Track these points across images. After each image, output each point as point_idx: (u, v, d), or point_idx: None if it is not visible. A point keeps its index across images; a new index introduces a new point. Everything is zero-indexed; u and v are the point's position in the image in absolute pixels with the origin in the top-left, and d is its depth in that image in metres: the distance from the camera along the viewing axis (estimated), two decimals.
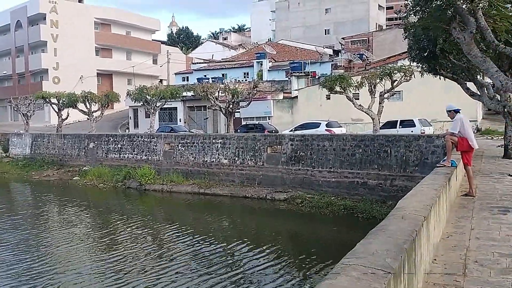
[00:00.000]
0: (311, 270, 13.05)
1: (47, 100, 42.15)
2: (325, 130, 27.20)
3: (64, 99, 40.65)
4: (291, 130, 28.92)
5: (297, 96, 39.15)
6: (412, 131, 24.47)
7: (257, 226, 19.48)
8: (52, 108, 43.17)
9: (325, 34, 68.43)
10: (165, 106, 38.24)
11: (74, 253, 15.13)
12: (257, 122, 35.39)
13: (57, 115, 41.91)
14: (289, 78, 43.87)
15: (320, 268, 13.10)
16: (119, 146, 32.84)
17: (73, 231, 18.41)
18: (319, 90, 30.51)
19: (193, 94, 37.59)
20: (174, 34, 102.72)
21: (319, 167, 22.68)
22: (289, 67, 44.93)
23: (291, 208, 21.45)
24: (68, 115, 41.90)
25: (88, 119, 40.25)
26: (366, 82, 26.13)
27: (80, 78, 57.70)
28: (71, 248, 15.73)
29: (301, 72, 43.17)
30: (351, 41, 57.24)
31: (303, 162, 23.35)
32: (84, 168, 33.52)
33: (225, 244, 15.96)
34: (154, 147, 30.66)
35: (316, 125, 28.45)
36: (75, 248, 15.82)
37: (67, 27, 58.31)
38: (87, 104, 39.06)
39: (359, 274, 2.97)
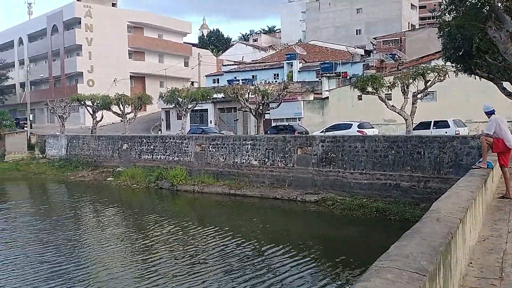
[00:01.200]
0: (343, 272, 12.94)
1: (82, 102, 43.13)
2: (357, 131, 26.90)
3: (98, 102, 41.55)
4: (322, 131, 28.73)
5: (328, 97, 38.88)
6: (446, 132, 23.96)
7: (287, 227, 19.43)
8: (87, 110, 44.17)
9: (356, 34, 67.74)
10: (196, 108, 38.60)
11: (110, 254, 15.44)
12: (287, 123, 35.29)
13: (92, 117, 42.85)
14: (319, 79, 43.61)
15: (352, 270, 12.98)
16: (152, 147, 33.33)
17: (108, 231, 18.80)
18: (350, 90, 30.19)
19: (223, 96, 37.81)
20: (205, 37, 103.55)
21: (351, 168, 22.47)
22: (319, 68, 44.67)
23: (321, 210, 21.32)
24: (102, 117, 42.79)
25: (121, 121, 40.99)
26: (398, 82, 25.71)
27: (114, 80, 58.82)
28: (107, 249, 16.06)
29: (332, 73, 42.87)
30: (383, 41, 56.46)
31: (334, 163, 23.17)
32: (118, 169, 34.16)
33: (256, 245, 15.99)
34: (185, 148, 31.00)
35: (348, 126, 28.16)
36: (111, 248, 16.15)
37: (101, 31, 59.59)
38: (121, 106, 39.77)
39: (394, 276, 2.93)
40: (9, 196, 30.35)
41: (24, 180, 36.87)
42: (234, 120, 43.09)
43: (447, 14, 15.20)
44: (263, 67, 53.07)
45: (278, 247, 15.50)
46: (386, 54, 48.14)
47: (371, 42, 59.36)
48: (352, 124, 28.28)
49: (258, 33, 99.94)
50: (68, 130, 45.37)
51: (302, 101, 38.66)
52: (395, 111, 25.24)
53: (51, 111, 48.33)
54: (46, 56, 65.53)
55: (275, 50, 71.29)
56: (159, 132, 48.54)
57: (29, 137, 46.24)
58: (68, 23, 60.88)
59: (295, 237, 17.32)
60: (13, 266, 13.73)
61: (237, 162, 27.67)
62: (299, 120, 37.90)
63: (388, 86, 25.95)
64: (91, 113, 42.69)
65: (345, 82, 40.26)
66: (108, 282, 12.45)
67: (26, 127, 48.95)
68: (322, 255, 14.65)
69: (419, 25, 67.82)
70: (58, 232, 18.25)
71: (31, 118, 53.38)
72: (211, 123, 43.97)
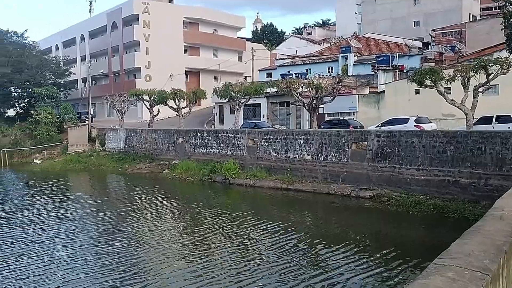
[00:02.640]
0: (398, 270, 12.65)
1: (140, 97, 44.39)
2: (414, 126, 26.12)
3: (155, 96, 42.64)
4: (378, 126, 28.11)
5: (384, 90, 37.97)
6: (509, 127, 22.82)
7: (341, 223, 19.21)
8: (144, 104, 45.44)
9: (414, 26, 65.64)
10: (249, 102, 38.81)
11: (167, 245, 15.82)
12: (341, 118, 34.82)
13: (149, 111, 44.05)
14: (375, 72, 42.65)
15: (408, 268, 12.67)
16: (206, 141, 33.88)
17: (165, 223, 19.36)
18: (407, 84, 29.40)
19: (276, 90, 37.78)
20: (259, 31, 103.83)
21: (407, 164, 21.90)
22: (375, 61, 43.69)
23: (376, 206, 20.94)
24: (159, 111, 43.93)
25: (177, 115, 41.88)
26: (458, 75, 24.65)
27: (170, 76, 60.11)
28: (164, 240, 16.53)
29: (389, 66, 41.79)
30: (442, 32, 54.39)
31: (390, 159, 22.66)
32: (173, 162, 35.02)
33: (309, 241, 15.93)
34: (238, 142, 31.27)
35: (405, 121, 27.39)
36: (168, 240, 16.61)
37: (158, 27, 61.01)
38: (176, 101, 40.63)
39: (455, 275, 2.83)
40: (73, 187, 31.83)
41: (85, 172, 38.52)
42: (287, 115, 42.98)
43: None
44: (317, 61, 52.53)
45: (331, 243, 15.37)
46: (445, 46, 46.39)
47: (429, 34, 57.39)
48: (409, 119, 27.49)
49: (312, 27, 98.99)
50: (126, 124, 46.86)
51: (357, 95, 37.97)
52: (455, 106, 24.28)
53: (111, 106, 50.09)
54: (106, 52, 67.87)
55: (330, 43, 70.43)
56: (213, 126, 49.22)
57: (90, 130, 48.12)
58: (127, 20, 62.72)
59: (349, 233, 17.08)
60: (75, 257, 14.21)
61: (289, 156, 27.62)
62: (354, 115, 37.26)
63: (447, 79, 24.95)
64: (148, 107, 43.89)
65: (402, 76, 39.18)
66: (165, 274, 12.66)
67: (88, 120, 50.98)
68: (376, 251, 14.37)
69: (481, 15, 64.83)
70: (117, 224, 18.90)
71: (92, 112, 55.54)
72: (263, 117, 44.09)
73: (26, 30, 64.47)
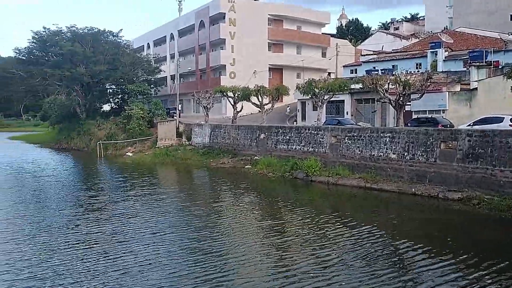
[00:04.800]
0: (493, 277, 11.90)
1: (224, 93, 45.53)
2: (509, 125, 24.43)
3: (239, 93, 43.53)
4: (469, 125, 26.61)
5: (476, 87, 35.82)
6: None
7: (426, 225, 18.42)
8: (228, 101, 46.51)
9: (511, 19, 61.22)
10: (332, 99, 38.37)
11: (248, 241, 16.06)
12: (429, 116, 33.36)
13: (233, 107, 45.03)
14: (467, 69, 40.31)
15: (503, 277, 11.90)
16: (288, 137, 33.99)
17: (247, 217, 19.63)
18: (503, 81, 27.52)
19: (361, 86, 37.01)
20: (344, 27, 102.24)
21: (501, 166, 20.54)
22: (467, 57, 41.31)
23: (465, 209, 19.90)
24: (242, 108, 44.80)
25: (259, 111, 42.42)
26: None
27: (254, 72, 60.95)
28: (246, 235, 16.82)
29: (482, 62, 39.35)
30: None
31: (482, 159, 21.39)
32: (255, 157, 35.54)
33: (392, 241, 15.48)
34: (320, 139, 31.04)
35: (499, 120, 25.67)
36: (249, 235, 16.88)
37: (243, 25, 62.08)
38: (259, 97, 41.17)
39: None
40: (163, 180, 33.30)
41: (172, 165, 40.20)
42: (372, 112, 41.96)
43: None
44: (405, 57, 50.69)
45: (415, 245, 14.79)
46: None
47: None
48: (503, 118, 25.73)
49: (399, 21, 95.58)
50: (211, 119, 48.24)
51: (447, 92, 36.17)
52: None
53: (197, 102, 51.79)
54: (193, 50, 70.22)
55: (418, 38, 67.69)
56: (295, 122, 49.24)
57: (178, 125, 50.07)
58: (214, 18, 64.41)
59: (435, 235, 16.33)
60: (158, 251, 14.56)
61: (374, 155, 26.97)
62: (443, 113, 35.53)
63: None
64: (232, 103, 44.86)
65: (497, 72, 36.71)
66: (247, 274, 12.75)
67: (176, 116, 53.08)
68: (465, 256, 13.61)
69: None
70: (203, 218, 19.29)
71: (179, 108, 57.81)
72: (347, 114, 43.40)
73: (121, 29, 68.71)
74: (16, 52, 61.05)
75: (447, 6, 76.25)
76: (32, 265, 13.17)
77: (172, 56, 75.18)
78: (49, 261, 13.49)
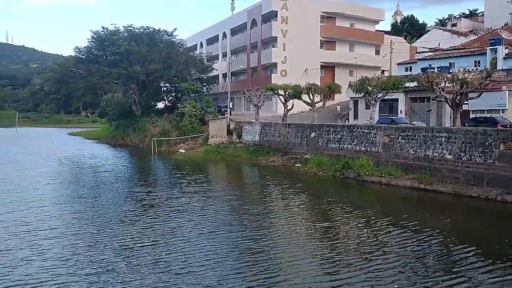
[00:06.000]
0: None
1: (275, 91, 45.54)
2: None
3: (290, 91, 43.43)
4: None
5: None
6: None
7: (483, 229, 17.73)
8: (279, 99, 46.50)
9: None
10: (386, 97, 37.55)
11: (296, 240, 16.03)
12: (488, 115, 32.06)
13: (283, 105, 45.00)
14: None
15: None
16: (339, 136, 33.59)
17: (297, 217, 19.53)
18: None
19: (416, 84, 36.02)
20: (398, 24, 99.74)
21: None
22: None
23: None
24: (292, 106, 44.68)
25: (310, 109, 42.16)
26: None
27: (305, 70, 60.60)
28: (294, 234, 16.77)
29: None
30: None
31: None
32: (305, 156, 35.38)
33: (446, 245, 14.98)
34: (373, 138, 30.48)
35: None
36: (297, 234, 16.83)
37: (295, 23, 61.84)
38: (311, 95, 40.90)
39: None
40: (215, 177, 33.88)
41: (223, 162, 40.74)
42: (427, 111, 40.73)
43: None
44: (462, 54, 48.82)
45: (470, 250, 14.24)
46: None
47: None
48: None
49: (457, 18, 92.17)
50: (261, 117, 48.42)
51: (507, 91, 34.60)
52: None
53: (248, 100, 52.13)
54: (245, 48, 70.67)
55: (477, 35, 65.00)
56: (347, 121, 48.58)
57: (228, 123, 50.60)
58: (266, 16, 64.55)
59: (492, 241, 15.67)
60: (212, 250, 14.54)
61: (428, 155, 26.19)
62: (503, 112, 34.03)
63: None
64: (283, 102, 44.82)
65: None
66: (296, 273, 12.65)
67: (226, 114, 53.69)
68: None
69: None
70: (254, 216, 19.33)
71: (230, 106, 58.39)
72: (401, 113, 42.34)
73: (175, 29, 70.34)
74: (76, 51, 63.82)
75: (507, 2, 72.80)
76: (88, 261, 13.39)
77: (224, 55, 76.01)
78: (107, 257, 13.70)
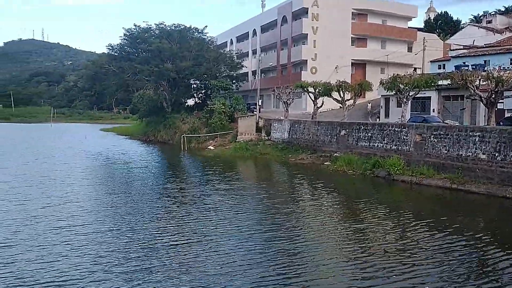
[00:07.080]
0: None
1: (305, 89, 45.37)
2: None
3: (320, 88, 43.19)
4: None
5: None
6: None
7: None
8: (309, 96, 46.31)
9: None
10: (418, 95, 36.95)
11: (324, 239, 15.94)
12: None
13: (313, 103, 44.80)
14: None
15: None
16: (369, 134, 33.23)
17: (326, 216, 19.32)
18: None
19: (449, 82, 35.30)
20: (432, 20, 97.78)
21: None
22: None
23: None
24: (322, 103, 44.44)
25: (340, 107, 41.83)
26: None
27: (336, 68, 60.20)
28: (322, 233, 16.70)
29: None
30: None
31: None
32: (334, 154, 35.14)
33: (478, 246, 14.66)
34: (404, 137, 30.04)
35: None
36: (325, 233, 16.70)
37: (326, 20, 61.40)
38: (341, 93, 40.58)
39: None
40: (244, 175, 33.98)
41: (251, 160, 40.83)
42: (461, 109, 39.89)
43: None
44: (498, 51, 47.62)
45: (505, 251, 13.90)
46: None
47: None
48: None
49: (493, 14, 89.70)
50: (291, 115, 48.29)
51: None
52: None
53: (277, 97, 52.08)
54: (275, 45, 70.60)
55: None
56: (377, 119, 48.00)
57: (258, 120, 50.66)
58: (296, 13, 64.31)
59: None
60: (242, 250, 14.41)
61: (461, 154, 25.65)
62: None
63: None
64: (313, 99, 44.62)
65: None
66: (325, 273, 12.59)
67: (256, 111, 53.77)
68: None
69: None
70: (284, 216, 19.19)
71: (260, 103, 58.44)
72: (433, 111, 41.57)
73: (205, 26, 70.13)
74: (109, 49, 65.09)
75: None
76: (123, 258, 13.43)
77: (254, 52, 76.13)
78: (141, 255, 13.69)
